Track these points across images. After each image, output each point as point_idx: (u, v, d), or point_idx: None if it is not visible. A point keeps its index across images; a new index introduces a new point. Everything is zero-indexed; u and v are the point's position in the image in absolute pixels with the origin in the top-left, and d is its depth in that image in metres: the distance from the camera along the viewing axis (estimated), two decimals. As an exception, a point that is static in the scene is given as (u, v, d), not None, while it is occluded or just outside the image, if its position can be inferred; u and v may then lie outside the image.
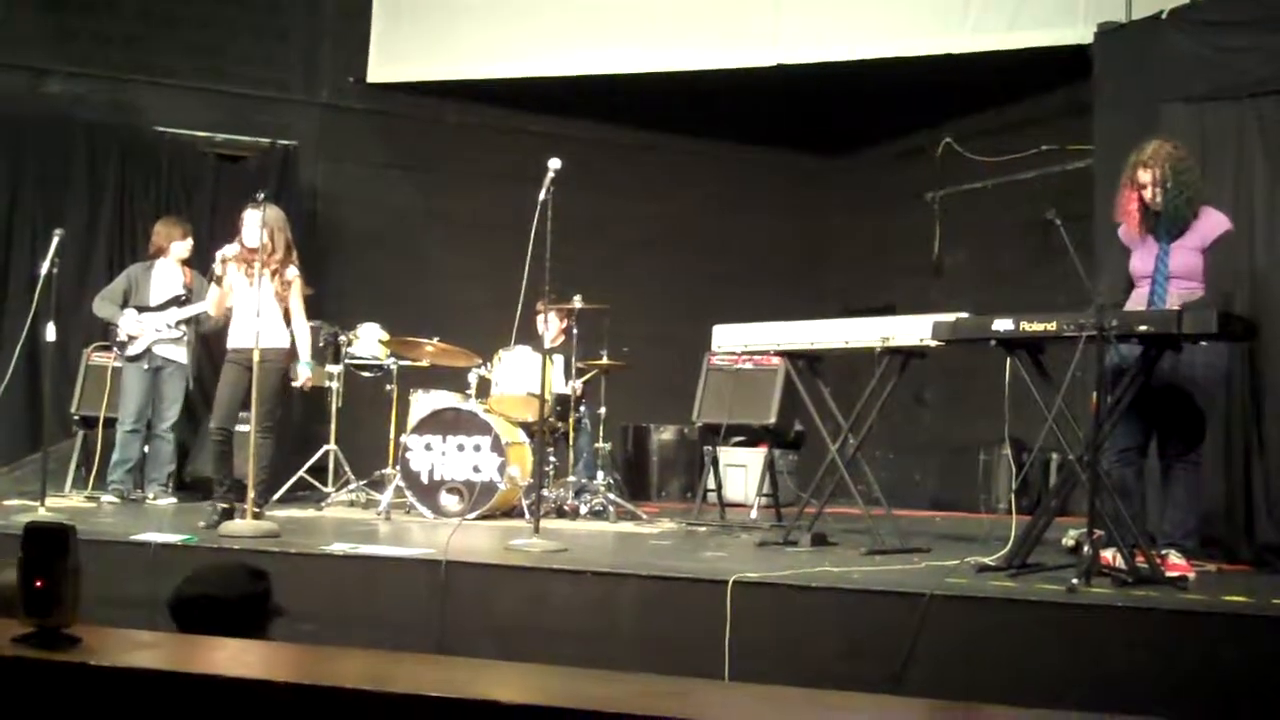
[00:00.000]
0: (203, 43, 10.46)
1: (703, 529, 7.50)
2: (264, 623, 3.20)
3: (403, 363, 8.58)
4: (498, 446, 7.61)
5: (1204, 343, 5.24)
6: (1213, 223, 5.50)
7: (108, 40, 10.16)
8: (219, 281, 6.89)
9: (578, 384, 8.30)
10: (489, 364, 8.22)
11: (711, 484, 8.41)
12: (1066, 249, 5.18)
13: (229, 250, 6.85)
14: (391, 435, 8.36)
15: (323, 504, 8.14)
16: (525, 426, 7.99)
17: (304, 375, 7.22)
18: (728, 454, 9.23)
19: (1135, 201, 5.55)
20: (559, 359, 8.18)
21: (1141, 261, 5.57)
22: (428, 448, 7.76)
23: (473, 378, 8.27)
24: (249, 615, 3.16)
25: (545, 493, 7.57)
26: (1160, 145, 5.53)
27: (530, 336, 7.75)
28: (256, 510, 6.38)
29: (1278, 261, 6.09)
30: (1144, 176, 5.50)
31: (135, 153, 10.05)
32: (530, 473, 7.57)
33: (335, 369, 8.64)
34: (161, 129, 10.18)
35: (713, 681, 3.84)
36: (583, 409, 8.48)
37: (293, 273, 6.96)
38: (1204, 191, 5.59)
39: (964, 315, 5.61)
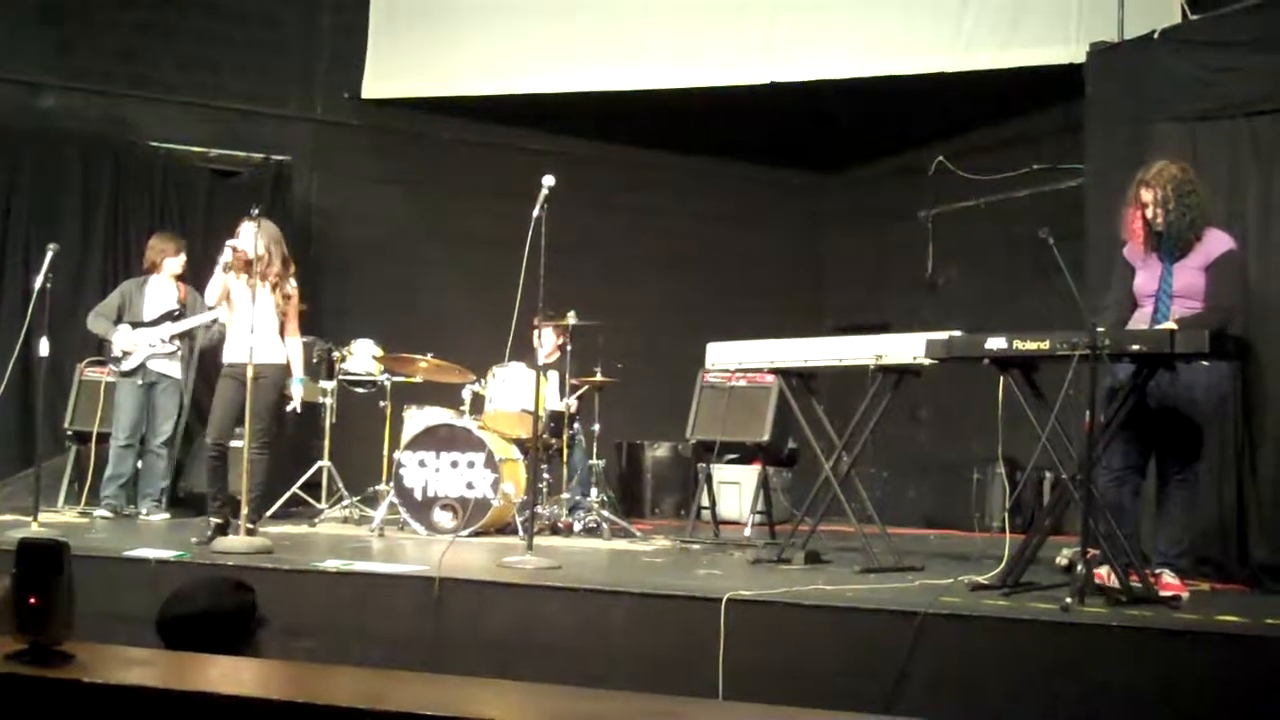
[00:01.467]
0: (198, 58, 10.47)
1: (696, 546, 7.49)
2: (250, 635, 3.18)
3: (396, 379, 8.58)
4: (491, 463, 7.61)
5: (1205, 363, 5.26)
6: (1216, 243, 5.50)
7: (103, 54, 10.16)
8: (226, 268, 6.73)
9: (572, 401, 8.30)
10: (483, 380, 8.21)
11: (705, 501, 8.39)
12: (1059, 267, 5.19)
13: (239, 241, 6.72)
14: (385, 451, 8.35)
15: (316, 520, 8.13)
16: (519, 443, 7.99)
17: (297, 393, 7.20)
18: (722, 471, 9.22)
19: (1139, 220, 5.55)
20: (553, 375, 8.18)
21: (1145, 280, 5.57)
22: (421, 464, 7.75)
23: (467, 394, 8.27)
24: (235, 628, 3.14)
25: (539, 510, 7.56)
26: (1165, 166, 5.53)
27: (524, 353, 7.75)
28: (250, 526, 6.37)
29: (1270, 280, 6.10)
30: (1146, 196, 5.51)
31: (130, 167, 10.04)
32: (524, 489, 7.56)
33: (329, 385, 8.64)
34: (156, 144, 10.18)
35: (706, 700, 3.83)
36: (577, 426, 8.48)
37: (293, 286, 6.95)
38: (1209, 213, 5.60)
39: (957, 333, 5.62)
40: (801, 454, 9.14)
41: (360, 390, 8.73)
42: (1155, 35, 6.73)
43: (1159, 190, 5.46)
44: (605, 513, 8.00)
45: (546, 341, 8.19)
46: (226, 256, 6.70)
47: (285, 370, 6.98)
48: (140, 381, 8.27)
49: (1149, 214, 5.50)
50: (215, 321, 7.67)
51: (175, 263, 8.50)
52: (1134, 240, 5.61)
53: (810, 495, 6.73)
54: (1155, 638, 4.33)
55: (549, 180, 6.07)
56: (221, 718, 1.88)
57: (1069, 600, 4.62)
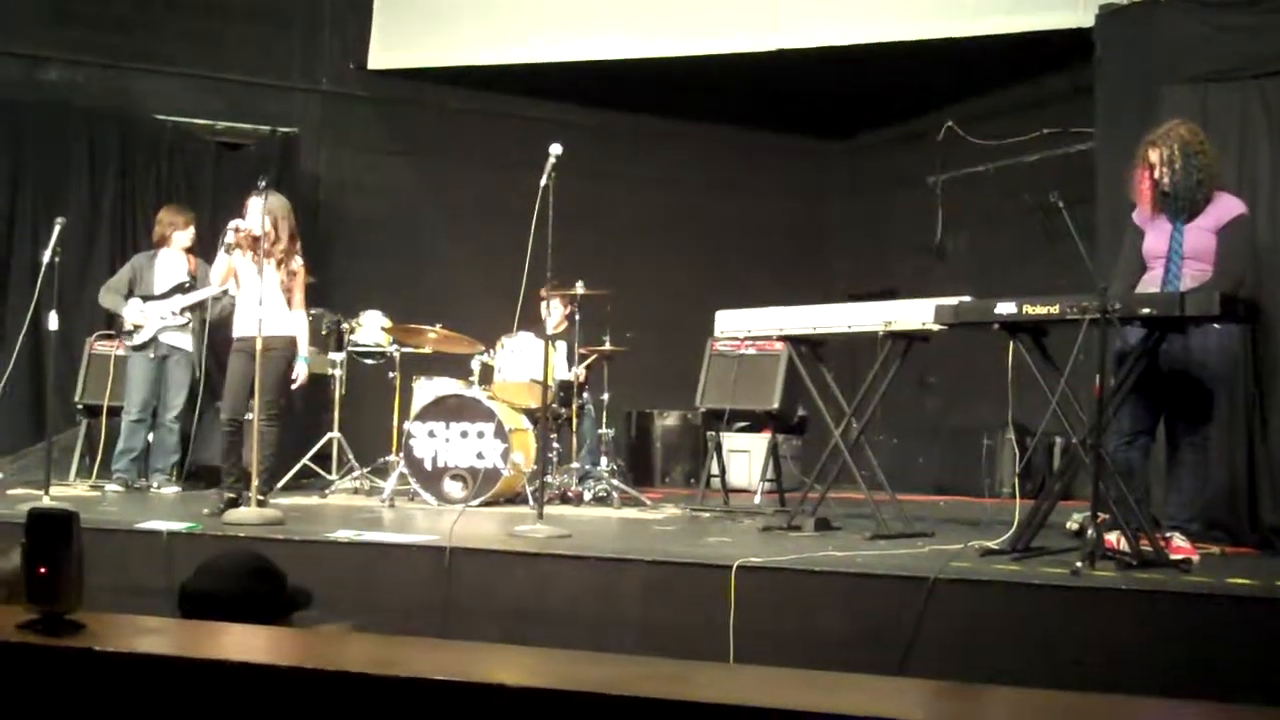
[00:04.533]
0: (203, 29, 10.43)
1: (706, 514, 7.50)
2: (283, 617, 3.17)
3: (405, 350, 8.58)
4: (501, 433, 7.62)
5: (1217, 325, 5.24)
6: (1227, 206, 5.48)
7: (107, 27, 10.13)
8: (229, 249, 6.73)
9: (581, 370, 8.30)
10: (492, 350, 8.22)
11: (715, 469, 8.41)
12: (1069, 232, 5.17)
13: (242, 222, 6.75)
14: (395, 422, 8.36)
15: (326, 491, 8.15)
16: (528, 413, 7.99)
17: (301, 370, 7.19)
18: (731, 439, 9.23)
19: (1147, 181, 5.54)
20: (562, 345, 8.18)
21: (1155, 242, 5.55)
22: (431, 434, 7.76)
23: (476, 364, 8.28)
24: (259, 613, 3.14)
25: (549, 479, 7.57)
26: (1174, 126, 5.52)
27: (533, 322, 7.76)
28: (261, 498, 6.38)
29: (1281, 243, 6.08)
30: (1153, 156, 5.49)
31: (136, 140, 10.03)
32: (534, 459, 7.57)
33: (338, 357, 8.65)
34: (162, 116, 10.16)
35: (716, 664, 3.84)
36: (586, 395, 8.48)
37: (298, 263, 6.94)
38: (1219, 175, 5.57)
39: (966, 299, 5.61)
40: (811, 421, 9.14)
41: (369, 361, 8.74)
42: (1164, -4, 6.69)
43: (1165, 149, 5.45)
44: (615, 481, 8.01)
45: (555, 311, 8.18)
46: (229, 238, 6.70)
47: (294, 343, 6.98)
48: (152, 355, 8.28)
49: (1156, 174, 5.48)
50: (225, 293, 7.66)
51: (185, 235, 8.51)
52: (1141, 201, 5.60)
53: (820, 462, 6.73)
54: (1165, 602, 4.33)
55: (556, 149, 6.05)
56: (234, 685, 1.88)
57: (1079, 565, 4.62)
